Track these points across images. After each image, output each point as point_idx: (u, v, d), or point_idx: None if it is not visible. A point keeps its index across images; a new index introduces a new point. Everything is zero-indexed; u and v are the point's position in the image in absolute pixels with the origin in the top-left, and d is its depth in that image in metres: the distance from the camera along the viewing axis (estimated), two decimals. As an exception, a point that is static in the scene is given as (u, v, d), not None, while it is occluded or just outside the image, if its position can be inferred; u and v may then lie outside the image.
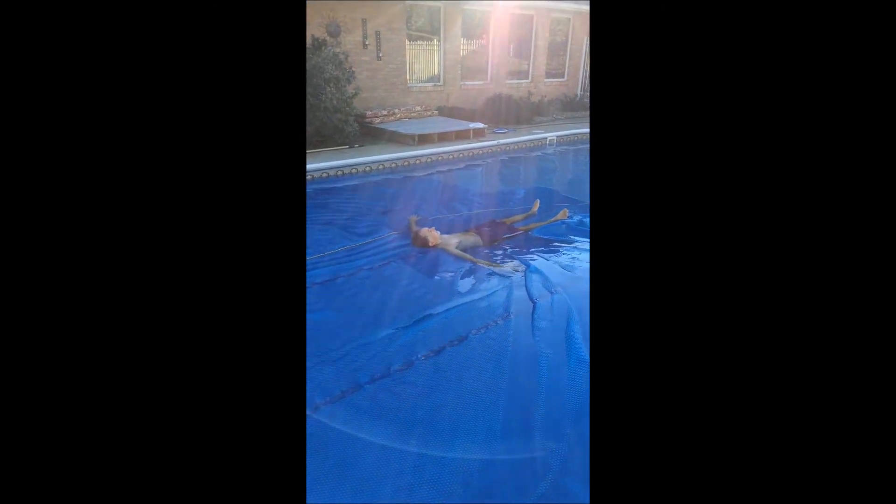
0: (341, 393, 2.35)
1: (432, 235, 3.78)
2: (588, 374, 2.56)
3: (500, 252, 3.89)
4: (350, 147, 7.35)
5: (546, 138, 8.70)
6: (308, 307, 3.01)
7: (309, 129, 7.15)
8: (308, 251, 3.69)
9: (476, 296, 3.21)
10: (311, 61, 6.86)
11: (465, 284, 3.36)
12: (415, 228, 3.88)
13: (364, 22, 8.51)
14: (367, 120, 8.32)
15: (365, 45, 8.70)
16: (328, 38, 7.85)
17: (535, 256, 3.82)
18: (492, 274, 3.49)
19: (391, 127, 8.15)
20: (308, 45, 7.17)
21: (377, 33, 8.72)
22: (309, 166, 5.83)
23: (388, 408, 2.28)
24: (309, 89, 6.82)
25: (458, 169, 7.10)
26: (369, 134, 8.27)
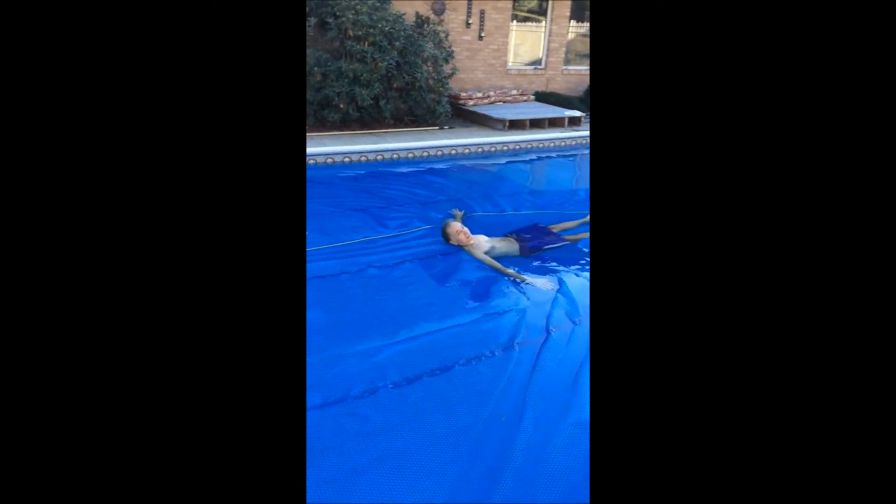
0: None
1: (458, 238, 3.22)
2: (587, 439, 1.92)
3: (536, 262, 3.23)
4: (440, 128, 6.91)
5: (648, 131, 7.53)
6: (299, 303, 2.65)
7: (402, 107, 6.80)
8: (326, 239, 3.33)
9: (483, 314, 2.63)
10: (411, 39, 6.41)
11: (478, 297, 2.79)
12: (449, 224, 3.34)
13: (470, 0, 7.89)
14: (461, 101, 7.78)
15: (468, 25, 8.10)
16: (432, 16, 7.36)
17: (573, 273, 3.11)
18: (514, 288, 2.87)
19: (483, 110, 7.55)
20: (411, 23, 6.74)
21: (482, 12, 8.06)
22: (380, 147, 5.47)
23: (326, 445, 1.83)
24: (405, 67, 6.41)
25: (540, 159, 6.35)
26: (461, 115, 7.75)
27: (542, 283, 2.92)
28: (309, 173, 4.65)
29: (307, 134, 5.87)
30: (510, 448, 1.85)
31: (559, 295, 2.80)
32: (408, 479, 1.73)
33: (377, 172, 4.96)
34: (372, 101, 6.03)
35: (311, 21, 5.64)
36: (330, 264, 2.99)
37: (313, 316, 2.54)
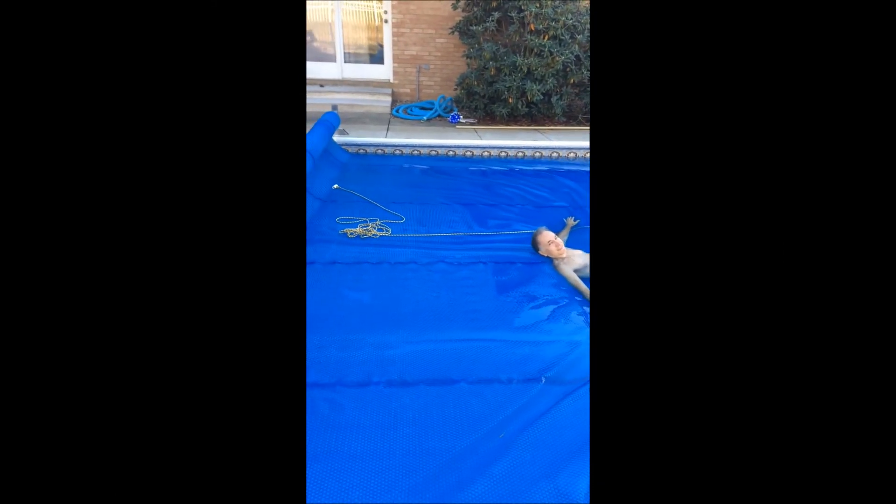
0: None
1: (548, 248, 2.82)
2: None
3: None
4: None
5: None
6: (357, 283, 2.68)
7: (578, 103, 6.33)
8: (417, 228, 3.28)
9: (528, 336, 2.26)
10: (584, 32, 5.85)
11: (533, 317, 2.41)
12: (541, 232, 2.98)
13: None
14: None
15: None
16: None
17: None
18: (584, 317, 2.40)
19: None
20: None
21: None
22: (518, 143, 5.15)
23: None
24: (586, 62, 5.90)
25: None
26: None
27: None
28: (438, 164, 4.68)
29: (474, 128, 5.91)
30: (461, 495, 1.56)
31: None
32: (337, 484, 1.59)
33: (511, 171, 4.70)
34: (543, 97, 5.72)
35: (495, 16, 5.59)
36: (406, 252, 2.95)
37: (359, 297, 2.55)
